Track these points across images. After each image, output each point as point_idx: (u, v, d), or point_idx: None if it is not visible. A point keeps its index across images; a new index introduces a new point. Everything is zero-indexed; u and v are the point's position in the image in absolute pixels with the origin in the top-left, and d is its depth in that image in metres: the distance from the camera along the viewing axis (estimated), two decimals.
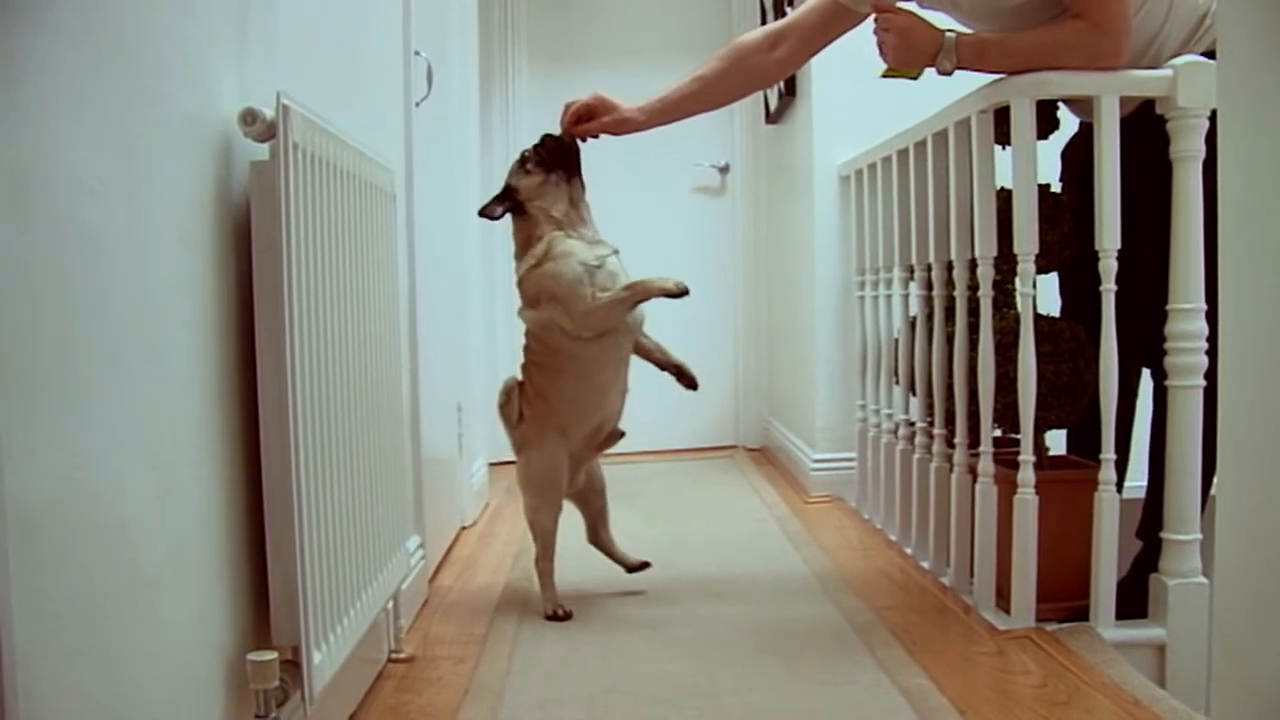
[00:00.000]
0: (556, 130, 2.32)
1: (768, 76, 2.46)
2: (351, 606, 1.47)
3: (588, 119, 2.30)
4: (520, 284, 2.28)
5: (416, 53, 2.38)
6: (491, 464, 3.73)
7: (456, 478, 3.01)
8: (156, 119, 1.06)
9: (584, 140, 2.33)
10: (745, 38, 2.40)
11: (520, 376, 2.33)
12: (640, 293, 2.20)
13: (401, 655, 1.99)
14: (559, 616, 2.21)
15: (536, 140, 2.34)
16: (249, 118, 1.22)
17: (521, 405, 2.29)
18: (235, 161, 1.26)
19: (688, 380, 2.34)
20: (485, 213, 2.32)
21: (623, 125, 2.32)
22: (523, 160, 2.32)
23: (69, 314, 0.89)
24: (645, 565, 2.45)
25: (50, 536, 0.85)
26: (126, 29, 1.00)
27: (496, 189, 2.34)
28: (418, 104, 2.39)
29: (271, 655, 1.20)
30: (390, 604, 1.91)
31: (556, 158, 2.30)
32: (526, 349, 2.32)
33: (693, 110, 2.38)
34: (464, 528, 3.13)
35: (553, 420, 2.27)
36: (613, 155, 4.54)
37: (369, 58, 2.03)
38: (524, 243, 2.29)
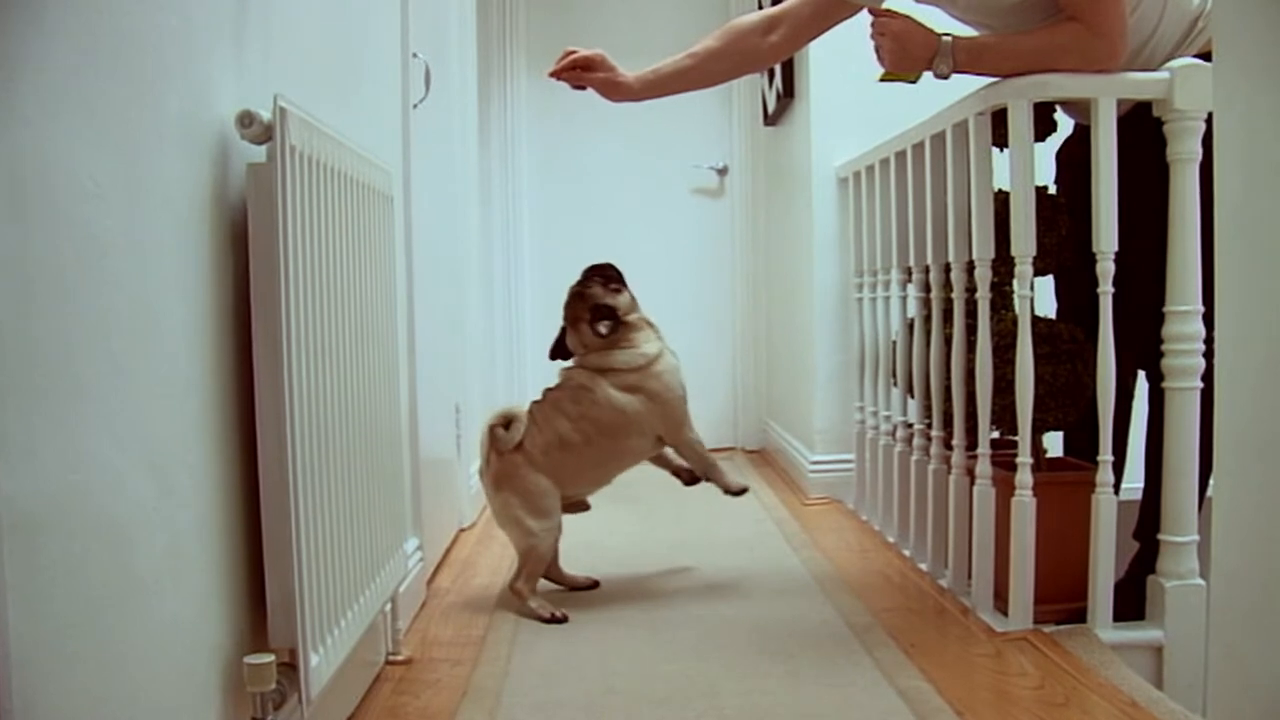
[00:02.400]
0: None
1: (761, 60, 2.46)
2: (349, 608, 1.47)
3: (585, 70, 2.30)
4: (613, 369, 2.38)
5: (414, 55, 2.39)
6: None
7: (455, 479, 3.01)
8: (154, 120, 1.06)
9: (577, 89, 2.33)
10: (741, 20, 2.41)
11: (529, 409, 2.39)
12: (714, 468, 2.45)
13: (399, 657, 1.98)
14: (555, 620, 2.21)
15: (597, 264, 2.51)
16: (246, 120, 1.23)
17: (524, 438, 2.33)
18: (232, 164, 1.26)
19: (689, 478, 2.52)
20: (600, 331, 2.42)
21: (616, 88, 2.31)
22: (606, 280, 2.45)
23: (67, 315, 0.89)
24: (595, 584, 2.48)
25: (48, 538, 0.85)
26: (124, 30, 1.00)
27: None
28: (415, 106, 2.39)
29: (268, 657, 1.20)
30: (388, 606, 1.91)
31: (622, 279, 2.51)
32: (567, 399, 2.38)
33: (684, 86, 2.39)
34: (462, 529, 3.13)
35: (548, 467, 2.32)
36: (613, 157, 4.60)
37: (367, 60, 2.03)
38: (614, 341, 2.41)
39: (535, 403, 2.42)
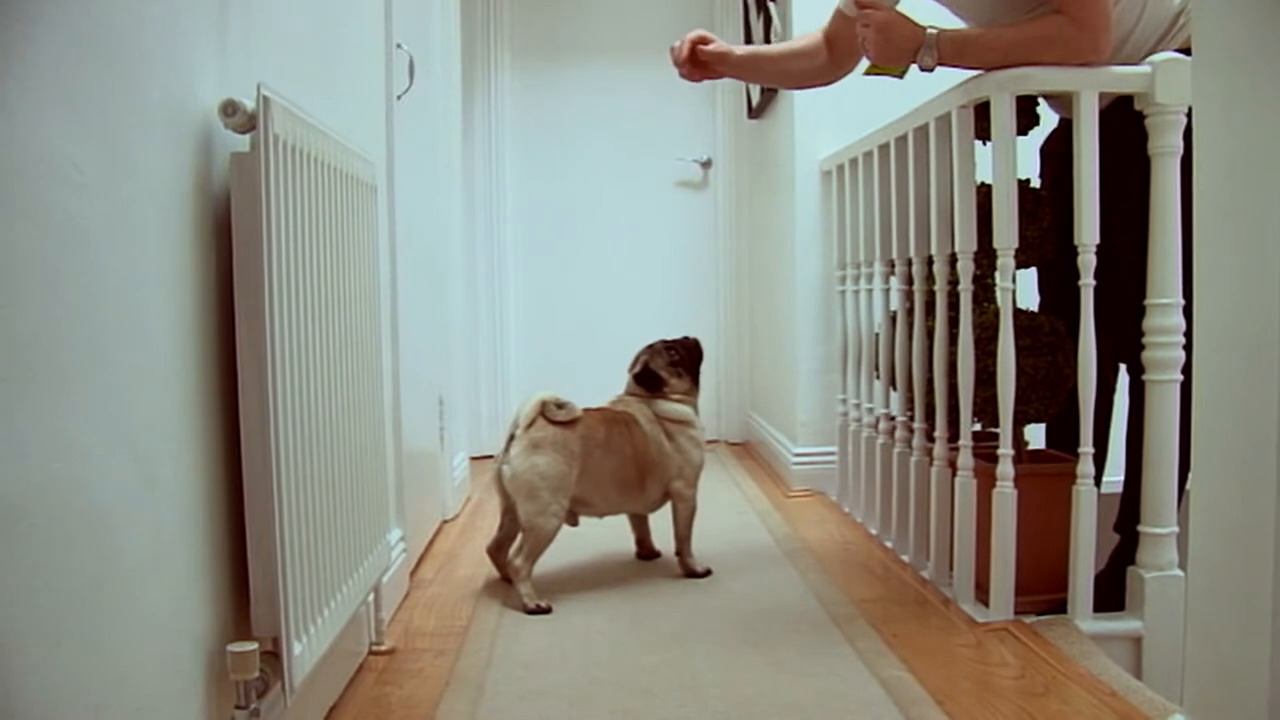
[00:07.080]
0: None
1: (825, 74, 2.54)
2: (332, 598, 1.47)
3: (701, 44, 2.45)
4: (662, 415, 2.53)
5: (398, 45, 2.38)
6: (473, 458, 3.73)
7: (438, 471, 3.01)
8: (137, 109, 1.06)
9: (697, 75, 2.48)
10: (812, 34, 2.51)
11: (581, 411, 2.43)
12: (688, 543, 2.54)
13: (382, 647, 1.99)
14: (540, 610, 2.21)
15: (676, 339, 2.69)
16: (229, 109, 1.22)
17: (568, 422, 2.35)
18: (216, 153, 1.25)
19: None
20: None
21: (723, 59, 2.47)
22: (673, 361, 2.62)
23: (50, 304, 0.89)
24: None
25: (31, 527, 0.84)
26: (106, 18, 1.00)
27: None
28: (399, 97, 2.39)
29: (252, 646, 1.20)
30: (371, 596, 1.92)
31: (693, 364, 2.69)
32: (615, 419, 2.48)
33: (766, 79, 2.62)
34: (445, 521, 3.13)
35: (578, 461, 2.35)
36: (597, 149, 4.60)
37: (351, 50, 2.03)
38: (664, 393, 2.58)
39: (586, 408, 2.46)
